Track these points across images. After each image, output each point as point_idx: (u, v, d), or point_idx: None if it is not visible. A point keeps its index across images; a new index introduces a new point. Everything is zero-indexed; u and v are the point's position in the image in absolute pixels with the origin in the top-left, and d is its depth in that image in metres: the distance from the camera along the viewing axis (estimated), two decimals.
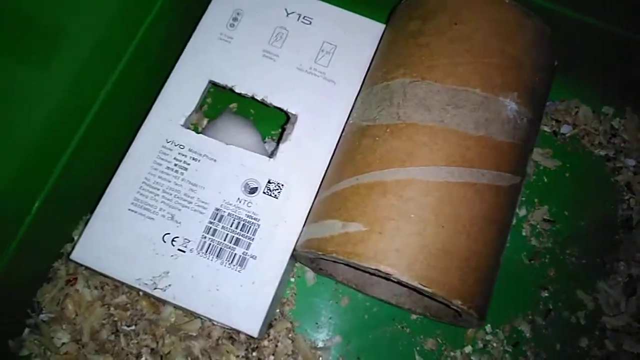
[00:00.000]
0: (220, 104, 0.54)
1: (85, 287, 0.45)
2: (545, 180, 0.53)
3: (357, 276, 0.48)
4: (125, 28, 0.44)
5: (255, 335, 0.39)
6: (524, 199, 0.52)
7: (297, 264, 0.50)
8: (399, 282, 0.35)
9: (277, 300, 0.47)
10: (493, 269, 0.38)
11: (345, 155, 0.41)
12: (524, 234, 0.52)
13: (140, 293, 0.46)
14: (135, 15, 0.44)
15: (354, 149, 0.41)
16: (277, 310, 0.48)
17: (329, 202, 0.40)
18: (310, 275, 0.50)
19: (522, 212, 0.52)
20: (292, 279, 0.49)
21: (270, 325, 0.47)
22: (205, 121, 0.53)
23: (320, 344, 0.47)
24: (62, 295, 0.45)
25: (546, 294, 0.50)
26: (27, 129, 0.39)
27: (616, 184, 0.53)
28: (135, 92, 0.46)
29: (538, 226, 0.52)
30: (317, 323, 0.48)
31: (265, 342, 0.46)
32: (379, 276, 0.37)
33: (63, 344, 0.44)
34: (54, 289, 0.45)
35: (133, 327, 0.45)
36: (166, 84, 0.45)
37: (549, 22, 0.42)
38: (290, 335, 0.47)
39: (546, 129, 0.54)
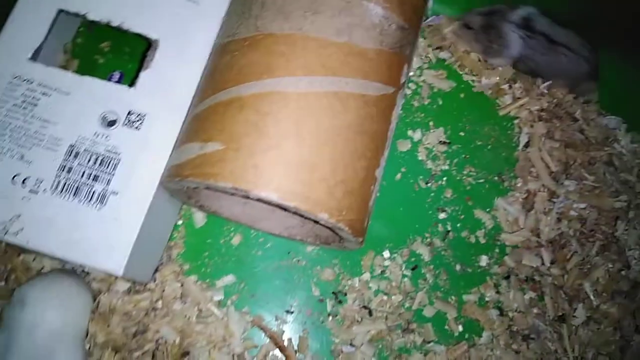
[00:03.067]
0: (91, 44, 0.50)
1: None
2: (440, 102, 0.52)
3: (246, 211, 0.45)
4: None
5: (120, 274, 0.36)
6: (418, 120, 0.51)
7: (184, 207, 0.47)
8: (260, 200, 0.33)
9: (159, 242, 0.44)
10: (365, 181, 0.36)
11: (207, 77, 0.38)
12: (419, 158, 0.50)
13: (7, 245, 0.42)
14: None
15: (214, 68, 0.38)
16: (164, 254, 0.45)
17: (189, 126, 0.37)
18: (199, 216, 0.47)
19: (417, 135, 0.51)
20: (180, 222, 0.47)
21: (156, 270, 0.44)
22: (75, 63, 0.49)
23: (212, 285, 0.45)
24: None
25: (444, 216, 0.49)
26: None
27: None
28: None
29: (434, 149, 0.50)
30: (207, 263, 0.46)
31: (152, 285, 0.44)
32: (245, 197, 0.34)
33: None
34: None
35: (2, 283, 0.42)
36: (10, 17, 0.40)
37: None
38: (179, 278, 0.45)
39: (443, 54, 0.53)
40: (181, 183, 0.35)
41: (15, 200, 0.37)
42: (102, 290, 0.42)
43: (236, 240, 0.47)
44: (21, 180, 0.37)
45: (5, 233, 0.36)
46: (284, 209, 0.34)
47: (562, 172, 0.49)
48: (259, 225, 0.46)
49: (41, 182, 0.37)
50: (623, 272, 0.48)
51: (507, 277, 0.48)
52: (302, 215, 0.34)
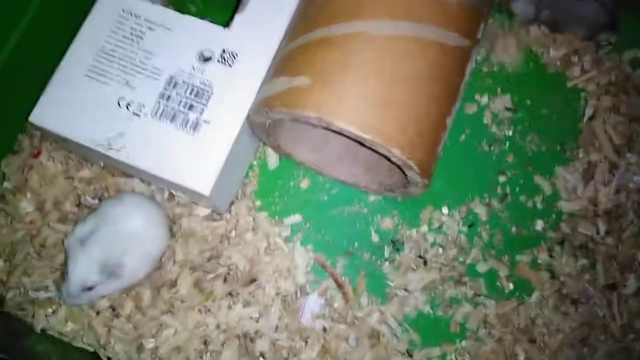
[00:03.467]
0: None
1: (49, 160, 0.47)
2: (509, 70, 0.53)
3: (317, 157, 0.49)
4: None
5: (207, 194, 0.40)
6: (486, 85, 0.53)
7: (260, 149, 0.51)
8: (339, 132, 0.36)
9: (237, 176, 0.48)
10: (436, 126, 0.38)
11: (299, 17, 0.42)
12: (485, 121, 0.52)
13: (103, 168, 0.47)
14: None
15: (306, 10, 0.41)
16: (239, 190, 0.49)
17: (280, 63, 0.40)
18: (272, 159, 0.51)
19: (484, 100, 0.52)
20: (255, 162, 0.50)
21: (232, 203, 0.48)
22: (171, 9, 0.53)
23: (280, 221, 0.49)
24: (27, 166, 0.46)
25: (504, 179, 0.51)
26: None
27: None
28: None
29: (499, 114, 0.52)
30: (277, 202, 0.50)
31: (227, 216, 0.48)
32: (326, 128, 0.37)
33: (27, 213, 0.46)
34: (18, 160, 0.46)
35: (96, 201, 0.47)
36: None
37: None
38: (251, 212, 0.48)
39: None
40: (269, 114, 0.39)
41: (120, 120, 0.41)
42: (184, 214, 0.47)
43: (305, 184, 0.50)
44: (125, 104, 0.42)
45: (109, 148, 0.41)
46: (360, 142, 0.37)
47: (625, 145, 0.50)
48: (327, 172, 0.49)
49: (143, 107, 0.41)
50: None
51: (561, 243, 0.49)
52: (375, 151, 0.37)
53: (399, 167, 0.39)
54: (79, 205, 0.46)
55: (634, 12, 0.53)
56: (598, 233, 0.49)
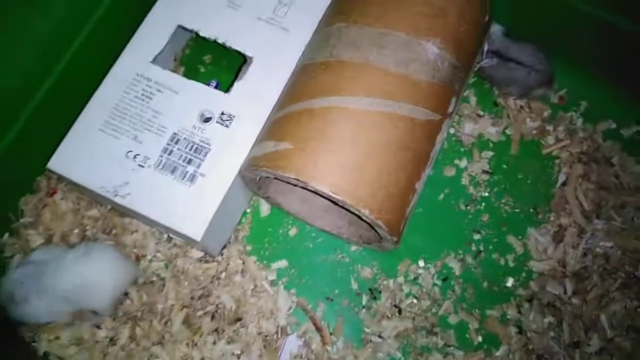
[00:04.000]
0: (196, 55, 0.60)
1: (62, 199, 0.52)
2: (487, 137, 0.58)
3: (304, 208, 0.53)
4: None
5: (198, 238, 0.45)
6: (462, 149, 0.57)
7: (254, 198, 0.55)
8: (315, 192, 0.41)
9: (230, 222, 0.53)
10: (405, 190, 0.43)
11: (287, 90, 0.47)
12: (463, 182, 0.56)
13: (111, 209, 0.52)
14: None
15: (294, 84, 0.46)
16: (232, 236, 0.54)
17: (268, 129, 0.46)
18: (264, 207, 0.55)
19: (462, 163, 0.57)
20: (248, 210, 0.55)
21: (224, 247, 0.53)
22: (182, 69, 0.59)
23: (268, 266, 0.53)
24: (42, 204, 0.52)
25: (478, 237, 0.54)
26: (20, 53, 0.46)
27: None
28: (113, 32, 0.52)
29: (477, 176, 0.56)
30: (266, 248, 0.54)
31: (219, 258, 0.52)
32: (304, 188, 0.42)
33: (37, 246, 0.51)
34: (35, 199, 0.52)
35: (103, 235, 0.52)
36: (140, 27, 0.51)
37: None
38: (241, 256, 0.53)
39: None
40: (256, 172, 0.44)
41: (126, 170, 0.47)
42: (179, 255, 0.51)
43: (293, 231, 0.55)
44: (133, 156, 0.47)
45: (116, 195, 0.46)
46: (334, 203, 0.42)
47: (594, 211, 0.54)
48: (313, 222, 0.53)
49: (148, 159, 0.47)
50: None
51: (530, 300, 0.52)
52: (348, 210, 0.42)
53: (369, 225, 0.43)
54: (83, 237, 0.51)
55: (610, 85, 0.57)
56: (565, 293, 0.52)
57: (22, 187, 0.53)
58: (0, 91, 0.46)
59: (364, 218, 0.42)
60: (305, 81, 0.45)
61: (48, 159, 0.47)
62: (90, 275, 0.47)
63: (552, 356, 0.50)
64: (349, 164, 0.41)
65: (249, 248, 0.54)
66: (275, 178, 0.43)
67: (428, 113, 0.44)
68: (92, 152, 0.47)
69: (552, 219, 0.55)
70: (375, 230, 0.44)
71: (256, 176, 0.45)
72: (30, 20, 0.46)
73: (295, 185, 0.43)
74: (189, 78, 0.50)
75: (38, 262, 0.48)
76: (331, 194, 0.40)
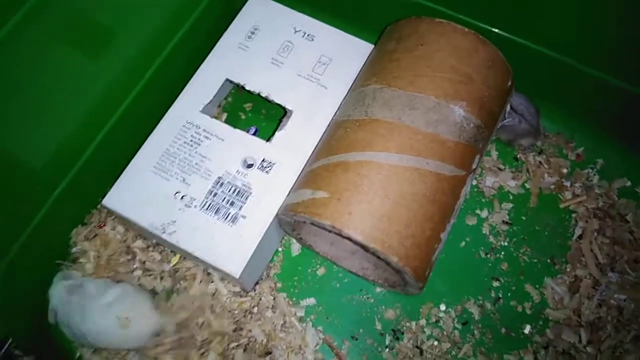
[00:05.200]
0: (238, 103, 0.65)
1: (111, 229, 0.57)
2: (507, 189, 0.61)
3: (333, 250, 0.57)
4: (167, 32, 0.56)
5: (237, 275, 0.49)
6: (483, 200, 0.60)
7: (285, 238, 0.59)
8: (349, 239, 0.45)
9: (264, 260, 0.57)
10: (430, 240, 0.46)
11: (323, 143, 0.51)
12: (483, 232, 0.59)
13: (154, 242, 0.57)
14: (175, 22, 0.57)
15: (330, 138, 0.51)
16: (264, 273, 0.57)
17: (305, 177, 0.50)
18: (295, 247, 0.59)
19: (484, 213, 0.60)
20: (280, 249, 0.59)
21: (257, 283, 0.57)
22: (224, 115, 0.64)
23: (297, 303, 0.56)
24: (92, 235, 0.56)
25: (497, 284, 0.57)
26: (88, 97, 0.51)
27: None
28: (169, 82, 0.57)
29: (497, 227, 0.60)
30: (296, 286, 0.58)
31: (252, 294, 0.56)
32: (338, 234, 0.46)
33: (85, 274, 0.55)
34: (86, 230, 0.57)
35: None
36: (192, 79, 0.57)
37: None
38: (272, 293, 0.57)
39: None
40: (294, 217, 0.48)
41: (174, 210, 0.51)
42: (220, 289, 0.55)
43: (321, 271, 0.58)
44: (180, 196, 0.51)
45: (164, 232, 0.50)
46: (365, 249, 0.45)
47: (608, 264, 0.56)
48: (341, 263, 0.57)
49: (194, 200, 0.51)
50: None
51: (546, 347, 0.55)
52: (377, 257, 0.45)
53: (397, 271, 0.47)
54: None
55: (625, 145, 0.61)
56: (580, 342, 0.54)
57: (75, 220, 0.57)
58: (66, 132, 0.51)
59: (392, 265, 0.45)
60: (342, 136, 0.49)
61: (102, 196, 0.52)
62: (106, 325, 0.51)
63: None
64: (379, 214, 0.44)
65: (279, 285, 0.57)
66: (312, 223, 0.47)
67: (453, 169, 0.48)
68: (143, 191, 0.52)
69: (568, 270, 0.58)
70: (401, 275, 0.48)
71: (292, 219, 0.49)
72: (101, 64, 0.51)
73: (330, 232, 0.47)
74: (232, 125, 0.55)
75: (76, 293, 0.52)
76: (363, 242, 0.44)
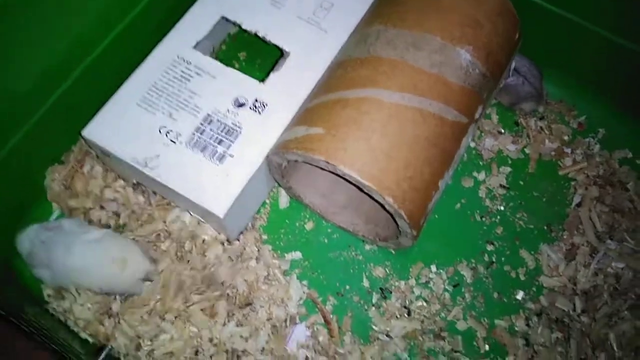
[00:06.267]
0: (232, 52, 0.63)
1: (89, 169, 0.54)
2: (506, 154, 0.59)
3: (323, 203, 0.54)
4: None
5: (221, 215, 0.46)
6: (481, 163, 0.58)
7: (274, 190, 0.56)
8: (342, 176, 0.42)
9: (250, 209, 0.54)
10: (428, 185, 0.44)
11: (322, 83, 0.49)
12: (480, 194, 0.57)
13: (135, 181, 0.53)
14: None
15: (329, 77, 0.48)
16: (250, 223, 0.55)
17: (300, 116, 0.47)
18: (283, 200, 0.56)
19: (481, 176, 0.58)
20: (267, 202, 0.56)
21: (241, 233, 0.54)
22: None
23: (282, 256, 0.54)
24: (70, 175, 0.54)
25: (491, 248, 0.55)
26: (74, 22, 0.48)
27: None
28: (161, 15, 0.54)
29: (494, 190, 0.57)
30: (282, 239, 0.55)
31: (236, 244, 0.53)
32: (332, 172, 0.43)
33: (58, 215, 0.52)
34: (64, 170, 0.54)
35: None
36: (186, 13, 0.54)
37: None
38: (257, 244, 0.54)
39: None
40: (285, 154, 0.45)
41: (158, 144, 0.48)
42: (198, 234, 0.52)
43: (309, 225, 0.56)
44: (166, 131, 0.48)
45: (145, 166, 0.47)
46: (359, 188, 0.43)
47: (607, 233, 0.54)
48: (330, 218, 0.54)
49: (180, 135, 0.48)
50: None
51: (539, 315, 0.52)
52: (371, 197, 0.43)
53: (391, 215, 0.44)
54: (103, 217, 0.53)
55: (629, 117, 0.59)
56: (574, 310, 0.52)
57: (52, 157, 0.54)
58: (48, 57, 0.47)
59: (387, 207, 0.43)
60: (341, 74, 0.47)
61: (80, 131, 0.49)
62: (96, 262, 0.48)
63: None
64: (377, 152, 0.42)
65: (265, 237, 0.55)
66: (304, 162, 0.44)
67: (457, 114, 0.45)
68: (127, 125, 0.49)
69: (565, 237, 0.56)
70: (395, 223, 0.45)
71: (283, 161, 0.47)
72: None
73: (323, 170, 0.44)
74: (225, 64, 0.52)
75: (57, 231, 0.49)
76: (358, 178, 0.41)
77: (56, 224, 0.50)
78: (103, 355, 0.42)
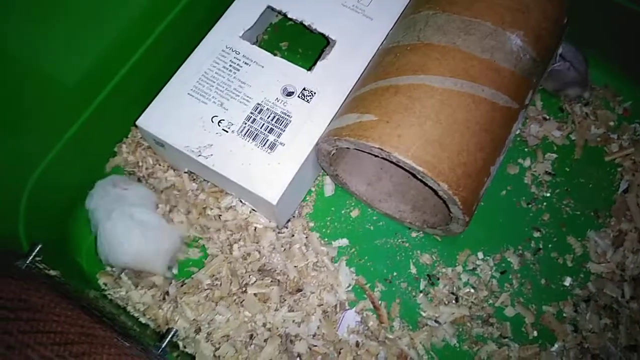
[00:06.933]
0: (274, 41, 0.63)
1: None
2: (552, 139, 0.59)
3: (369, 191, 0.55)
4: None
5: (274, 202, 0.47)
6: (526, 150, 0.58)
7: (319, 178, 0.57)
8: (396, 163, 0.42)
9: (298, 196, 0.55)
10: (481, 171, 0.44)
11: (370, 69, 0.49)
12: (525, 181, 0.57)
13: (187, 170, 0.55)
14: None
15: (378, 64, 0.48)
16: (296, 211, 0.55)
17: (350, 103, 0.48)
18: (328, 188, 0.57)
19: (526, 163, 0.58)
20: (313, 189, 0.57)
21: (289, 220, 0.55)
22: None
23: (329, 243, 0.54)
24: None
25: (538, 235, 0.55)
26: (123, 14, 0.49)
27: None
28: (208, 6, 0.55)
29: (539, 177, 0.57)
30: (328, 226, 0.55)
31: (285, 231, 0.54)
32: (385, 159, 0.43)
33: None
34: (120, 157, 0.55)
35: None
36: (233, 4, 0.54)
37: None
38: (305, 231, 0.54)
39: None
40: (337, 142, 0.45)
41: (211, 134, 0.49)
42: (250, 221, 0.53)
43: (354, 213, 0.56)
44: (218, 121, 0.49)
45: (199, 155, 0.48)
46: (413, 175, 0.43)
47: None
48: (376, 205, 0.55)
49: (232, 125, 0.49)
50: None
51: (587, 301, 0.52)
52: (425, 183, 0.43)
53: (444, 201, 0.45)
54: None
55: None
56: (623, 297, 0.52)
57: (107, 148, 0.56)
58: (101, 50, 0.48)
59: (441, 193, 0.43)
60: (391, 61, 0.47)
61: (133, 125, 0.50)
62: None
63: (608, 357, 0.50)
64: (431, 139, 0.42)
65: (312, 224, 0.55)
66: (357, 149, 0.45)
67: (508, 100, 0.45)
68: (179, 114, 0.50)
69: (612, 223, 0.55)
70: (447, 209, 0.46)
71: (333, 148, 0.47)
72: None
73: (372, 156, 0.44)
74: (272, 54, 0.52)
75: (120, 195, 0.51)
76: (413, 164, 0.41)
77: (126, 185, 0.52)
78: (169, 337, 0.43)
